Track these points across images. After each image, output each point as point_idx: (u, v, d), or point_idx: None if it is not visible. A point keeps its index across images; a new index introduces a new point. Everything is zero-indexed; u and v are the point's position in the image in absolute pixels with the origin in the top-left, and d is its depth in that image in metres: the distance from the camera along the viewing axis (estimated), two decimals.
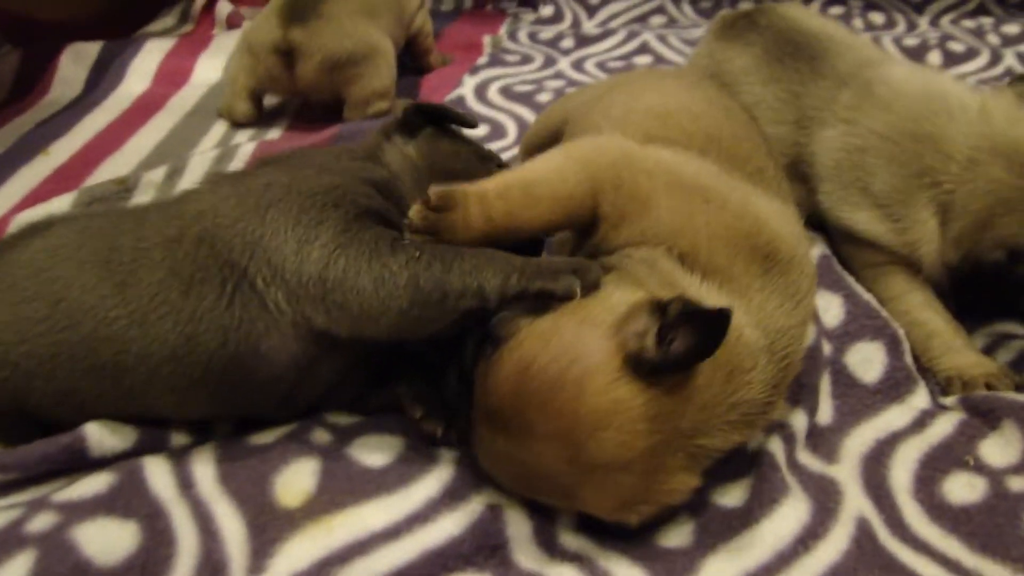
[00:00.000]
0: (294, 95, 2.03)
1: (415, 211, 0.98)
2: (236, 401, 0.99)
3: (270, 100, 2.11)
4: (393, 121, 1.21)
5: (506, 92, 2.06)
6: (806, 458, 1.07)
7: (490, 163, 1.21)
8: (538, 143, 1.46)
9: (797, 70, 1.45)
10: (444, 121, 1.22)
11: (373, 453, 1.01)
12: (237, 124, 2.04)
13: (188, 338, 0.94)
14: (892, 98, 1.35)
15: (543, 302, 0.90)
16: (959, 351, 1.22)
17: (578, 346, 0.84)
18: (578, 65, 2.29)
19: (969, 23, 2.69)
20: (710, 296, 0.93)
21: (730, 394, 0.88)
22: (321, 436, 1.03)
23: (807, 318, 1.02)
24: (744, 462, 1.03)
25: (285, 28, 1.91)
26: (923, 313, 1.26)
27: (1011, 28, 2.61)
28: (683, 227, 0.99)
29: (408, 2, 2.23)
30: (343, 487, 0.96)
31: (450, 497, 0.95)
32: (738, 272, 0.97)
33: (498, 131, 1.87)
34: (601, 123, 1.25)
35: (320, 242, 0.93)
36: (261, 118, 2.05)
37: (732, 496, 1.00)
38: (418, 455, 1.01)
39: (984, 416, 1.11)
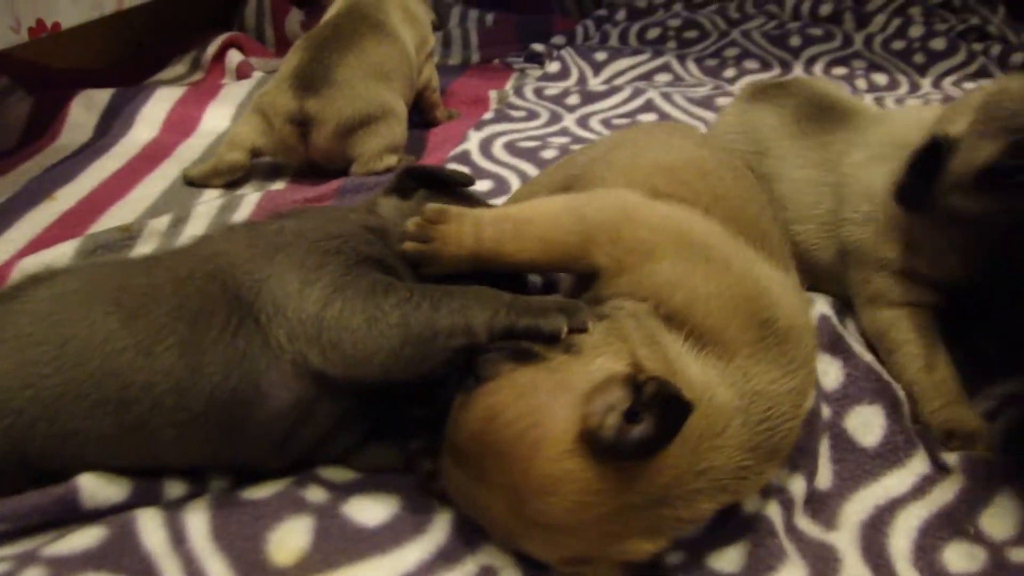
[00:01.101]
0: (306, 162, 2.03)
1: (412, 221, 1.07)
2: (233, 442, 1.00)
3: None
4: (388, 185, 1.25)
5: (511, 148, 2.07)
6: (804, 524, 1.06)
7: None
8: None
9: (828, 120, 1.52)
10: (436, 183, 1.25)
11: (368, 511, 1.00)
12: (220, 174, 1.99)
13: (192, 370, 0.95)
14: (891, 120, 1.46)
15: (531, 339, 0.92)
16: (955, 404, 1.22)
17: (544, 409, 0.85)
18: (583, 122, 2.31)
19: (970, 85, 2.71)
20: (693, 361, 0.94)
21: (696, 463, 0.88)
22: (316, 493, 1.02)
23: (800, 388, 1.01)
24: (740, 526, 1.02)
25: (300, 99, 1.93)
26: (919, 365, 1.26)
27: None
28: (681, 283, 1.00)
29: (417, 61, 2.26)
30: (337, 546, 0.95)
31: (444, 559, 0.95)
32: (729, 336, 0.97)
33: (502, 187, 1.88)
34: (606, 176, 1.26)
35: (320, 284, 0.98)
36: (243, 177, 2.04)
37: (728, 561, 0.99)
38: (414, 515, 1.00)
39: (984, 482, 1.11)
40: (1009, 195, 1.13)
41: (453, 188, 1.27)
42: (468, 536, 0.97)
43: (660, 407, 0.81)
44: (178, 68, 2.81)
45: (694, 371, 0.93)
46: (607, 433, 0.81)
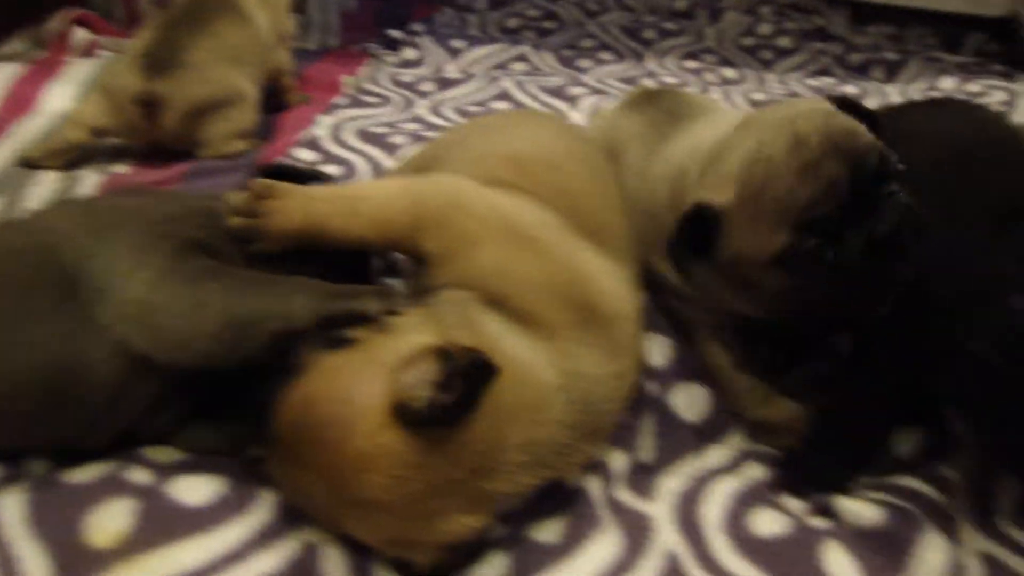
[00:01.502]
0: (153, 144, 1.97)
1: (237, 197, 1.06)
2: (53, 418, 0.99)
3: None
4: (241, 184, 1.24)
5: (361, 134, 2.07)
6: (624, 495, 1.11)
7: None
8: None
9: (672, 129, 1.47)
10: (287, 178, 1.21)
11: (192, 492, 1.00)
12: (58, 154, 1.89)
13: (16, 344, 0.95)
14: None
15: (347, 323, 0.94)
16: (764, 402, 1.25)
17: (355, 387, 0.87)
18: (436, 109, 2.32)
19: (813, 82, 2.85)
20: (512, 338, 0.97)
21: (517, 436, 0.91)
22: (140, 474, 1.01)
23: (622, 372, 1.06)
24: (562, 499, 1.06)
25: (149, 80, 1.87)
26: (729, 372, 1.27)
27: (851, 88, 2.77)
28: (504, 270, 1.03)
29: (271, 44, 2.23)
30: (159, 527, 0.95)
31: (267, 536, 0.96)
32: (550, 319, 1.01)
33: (351, 172, 1.88)
34: (461, 160, 1.29)
35: (150, 267, 0.98)
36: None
37: (548, 532, 1.03)
38: (238, 495, 1.00)
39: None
40: (804, 275, 1.09)
41: (304, 183, 1.24)
42: (292, 515, 0.98)
43: (468, 372, 0.83)
44: (16, 44, 2.69)
45: (517, 350, 0.96)
46: (418, 404, 0.83)
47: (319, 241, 1.09)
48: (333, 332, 0.94)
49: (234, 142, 1.98)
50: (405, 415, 0.84)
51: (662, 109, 1.54)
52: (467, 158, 1.30)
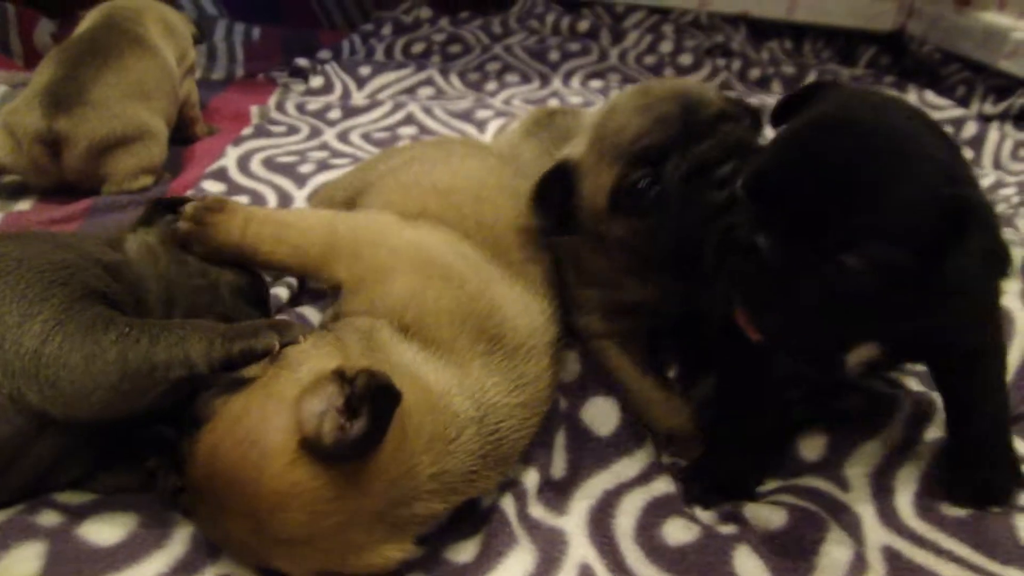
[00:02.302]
0: (57, 183, 1.93)
1: (191, 205, 1.15)
2: None
3: None
4: (136, 219, 1.24)
5: (268, 163, 2.07)
6: (538, 512, 1.13)
7: None
8: (335, 206, 1.50)
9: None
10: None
11: (104, 531, 0.99)
12: None
13: None
14: None
15: (247, 361, 0.95)
16: (674, 413, 1.29)
17: (259, 427, 0.87)
18: (343, 136, 2.33)
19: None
20: (424, 365, 0.99)
21: (430, 464, 0.93)
22: (49, 517, 1.00)
23: (530, 403, 1.08)
24: (477, 520, 1.08)
25: (50, 118, 1.83)
26: (638, 385, 1.30)
27: (752, 102, 2.84)
28: (415, 300, 1.06)
29: (178, 77, 2.21)
30: (70, 569, 0.94)
31: (184, 570, 0.96)
32: (460, 347, 1.03)
33: (259, 202, 1.88)
34: (389, 188, 1.34)
35: (41, 318, 0.95)
36: None
37: (464, 552, 1.05)
38: (150, 532, 1.00)
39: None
40: (641, 214, 1.14)
41: None
42: (208, 547, 0.98)
43: (373, 397, 0.83)
44: None
45: (429, 377, 0.98)
46: (326, 438, 0.83)
47: (249, 259, 1.17)
48: (232, 374, 0.94)
49: (141, 178, 1.96)
50: (316, 449, 0.84)
51: (556, 134, 1.58)
52: (396, 187, 1.33)
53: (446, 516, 1.03)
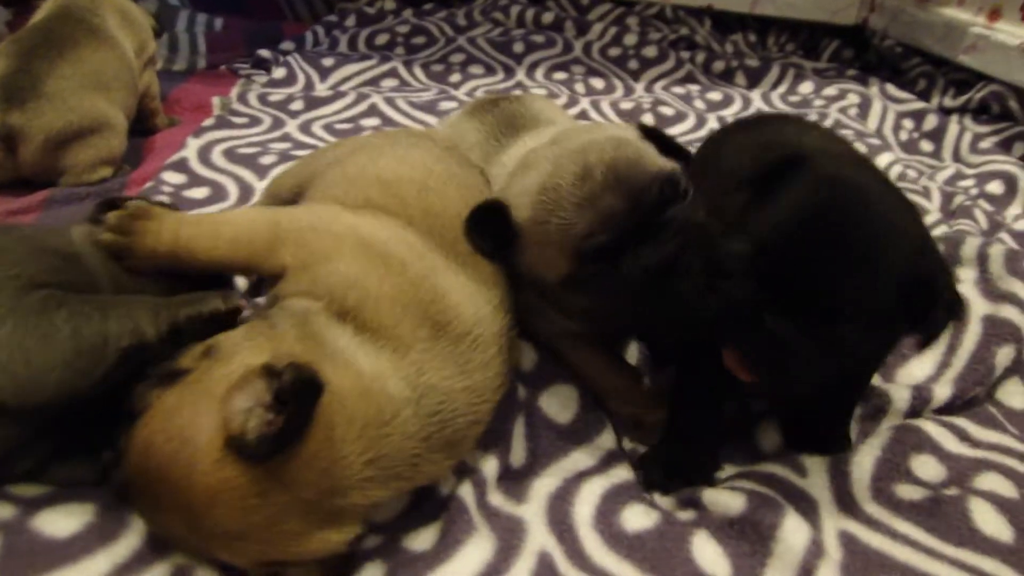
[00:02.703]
0: (13, 177, 1.89)
1: (114, 215, 1.10)
2: None
3: None
4: (84, 217, 1.19)
5: (230, 154, 2.06)
6: (497, 500, 1.13)
7: None
8: (283, 194, 1.50)
9: (510, 138, 1.53)
10: None
11: (59, 524, 0.99)
12: None
13: None
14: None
15: (194, 325, 0.98)
16: (636, 400, 1.30)
17: (189, 425, 0.87)
18: (305, 127, 2.31)
19: (679, 89, 2.94)
20: (358, 351, 0.99)
21: (363, 451, 0.92)
22: (2, 510, 0.99)
23: (477, 387, 1.08)
24: (435, 508, 1.09)
25: (3, 113, 1.80)
26: (600, 376, 1.32)
27: (714, 95, 2.88)
28: (356, 283, 1.06)
29: (137, 68, 2.19)
30: (24, 561, 0.93)
31: (138, 562, 0.96)
32: (401, 332, 1.03)
33: (220, 193, 1.87)
34: (334, 179, 1.32)
35: None
36: None
37: (422, 540, 1.05)
38: (106, 524, 1.00)
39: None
40: (592, 296, 1.18)
41: None
42: (162, 540, 0.97)
43: (296, 390, 0.84)
44: None
45: (363, 362, 0.98)
46: (249, 434, 0.84)
47: (185, 263, 1.12)
48: (166, 366, 0.94)
49: (99, 170, 1.93)
50: (237, 448, 0.84)
51: (502, 118, 1.58)
52: (341, 177, 1.32)
53: (401, 504, 1.03)
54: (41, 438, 1.02)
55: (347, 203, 1.23)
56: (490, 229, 1.19)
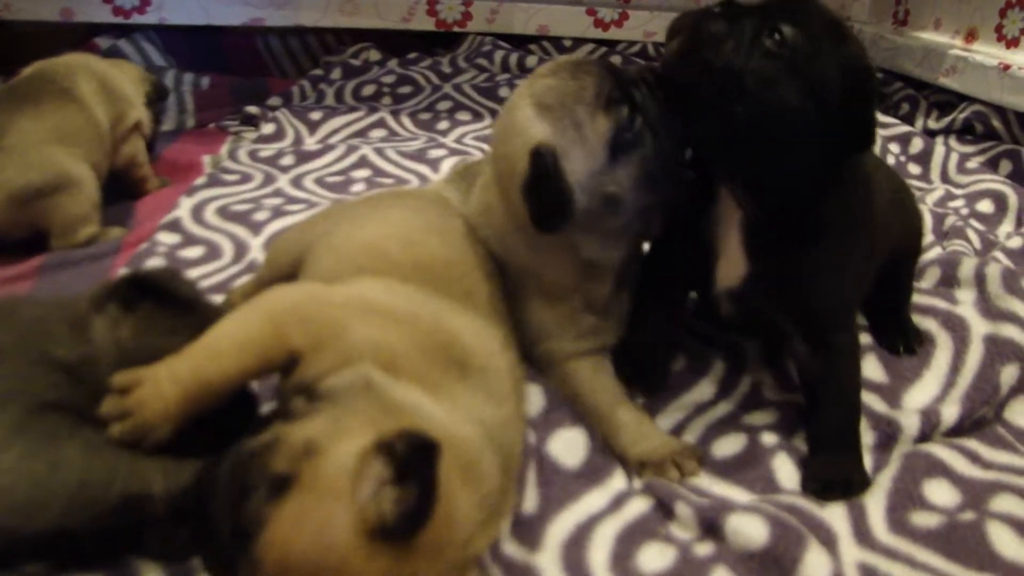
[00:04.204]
0: None
1: (109, 403, 0.99)
2: None
3: None
4: (105, 291, 1.10)
5: (223, 212, 2.06)
6: (511, 548, 1.12)
7: None
8: (283, 267, 1.48)
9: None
10: (160, 292, 1.11)
11: None
12: None
13: None
14: None
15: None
16: (646, 437, 1.29)
17: (326, 529, 0.82)
18: (297, 182, 2.32)
19: None
20: (426, 405, 0.98)
21: (470, 495, 0.91)
22: None
23: (515, 416, 1.09)
24: None
25: None
26: (609, 408, 1.32)
27: None
28: (381, 343, 1.04)
29: (112, 130, 2.18)
30: None
31: None
32: (437, 378, 1.03)
33: (215, 252, 1.87)
34: (325, 253, 1.33)
35: None
36: None
37: None
38: None
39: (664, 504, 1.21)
40: (635, 143, 1.20)
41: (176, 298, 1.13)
42: None
43: (416, 460, 0.81)
44: None
45: (436, 414, 0.97)
46: (390, 518, 0.81)
47: (204, 399, 1.02)
48: (265, 475, 0.87)
49: (81, 229, 1.91)
50: (383, 534, 0.82)
51: (474, 180, 1.57)
52: (332, 249, 1.33)
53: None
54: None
55: (340, 274, 1.23)
56: (547, 182, 1.20)
